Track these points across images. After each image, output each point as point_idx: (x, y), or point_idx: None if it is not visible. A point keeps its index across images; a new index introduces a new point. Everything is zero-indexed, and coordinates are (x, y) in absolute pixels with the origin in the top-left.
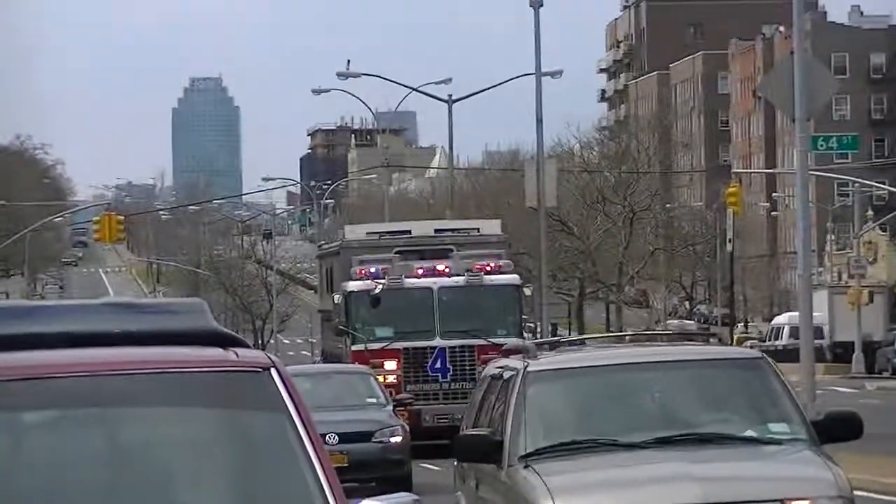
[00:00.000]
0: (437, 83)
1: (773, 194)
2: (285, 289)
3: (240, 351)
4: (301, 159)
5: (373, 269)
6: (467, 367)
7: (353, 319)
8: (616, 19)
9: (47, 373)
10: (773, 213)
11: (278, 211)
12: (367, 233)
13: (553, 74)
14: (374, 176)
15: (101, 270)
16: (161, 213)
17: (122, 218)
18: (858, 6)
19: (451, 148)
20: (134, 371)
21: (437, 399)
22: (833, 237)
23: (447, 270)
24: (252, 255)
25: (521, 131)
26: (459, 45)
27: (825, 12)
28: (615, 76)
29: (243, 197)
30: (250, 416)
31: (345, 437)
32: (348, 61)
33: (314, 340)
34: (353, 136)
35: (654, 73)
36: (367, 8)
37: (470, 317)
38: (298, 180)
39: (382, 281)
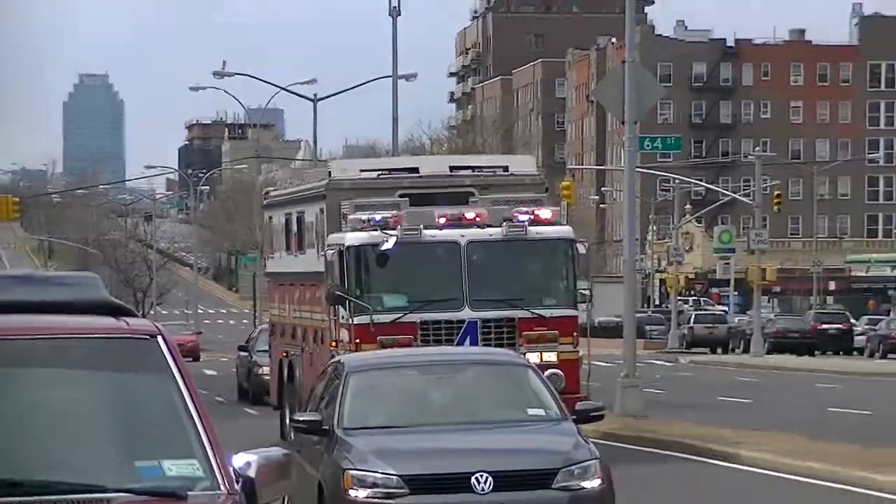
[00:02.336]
0: (303, 83)
1: (603, 188)
2: (164, 265)
3: (130, 320)
4: (179, 150)
5: (378, 217)
6: (505, 347)
7: (352, 283)
8: (465, 28)
9: None
10: (601, 206)
11: (158, 196)
12: (361, 170)
13: (408, 77)
14: (244, 166)
15: None
16: (53, 196)
17: (17, 199)
18: (683, 21)
19: (315, 142)
20: (33, 336)
21: None
22: (654, 228)
23: (479, 219)
24: (134, 236)
25: (378, 128)
26: (325, 49)
27: (653, 26)
28: (463, 80)
29: (127, 183)
30: (139, 378)
31: (504, 481)
32: (224, 62)
33: (190, 312)
34: (226, 129)
35: (499, 78)
36: (246, 9)
37: (509, 281)
38: (177, 168)
39: (394, 232)
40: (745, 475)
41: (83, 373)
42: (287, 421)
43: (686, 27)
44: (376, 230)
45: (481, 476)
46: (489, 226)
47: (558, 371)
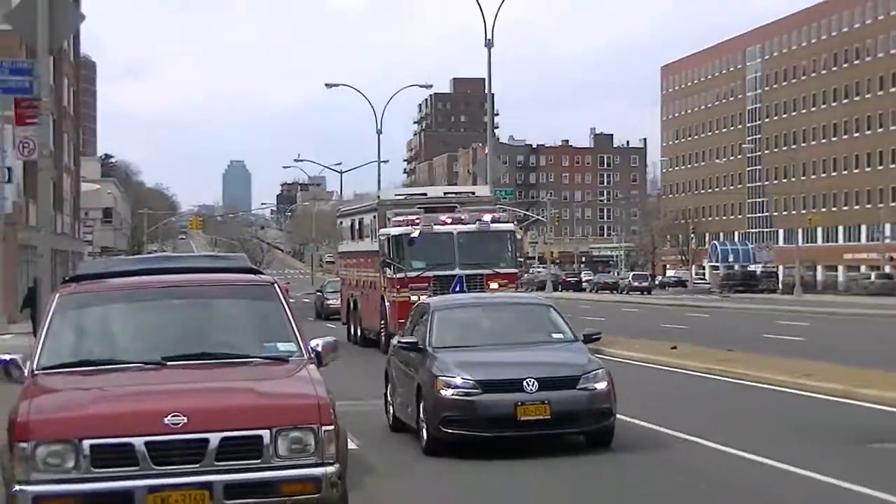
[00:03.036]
0: (335, 164)
1: None
2: (269, 251)
3: (260, 276)
4: (277, 196)
5: (409, 219)
6: (479, 289)
7: (394, 255)
8: (412, 137)
9: (173, 283)
10: None
11: (268, 217)
12: (395, 195)
13: (385, 161)
14: (307, 203)
15: None
16: (218, 218)
17: (201, 219)
18: (512, 135)
19: (341, 191)
20: (216, 283)
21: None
22: None
23: (464, 219)
24: (256, 236)
25: (370, 185)
26: (335, 140)
27: (498, 137)
28: (410, 162)
29: (252, 211)
30: (265, 303)
31: (545, 384)
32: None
33: (282, 272)
34: (299, 186)
35: (426, 162)
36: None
37: (480, 253)
38: (276, 204)
39: (417, 227)
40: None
41: (239, 300)
42: (351, 330)
43: (513, 136)
44: (408, 226)
45: (530, 381)
46: (469, 223)
47: None
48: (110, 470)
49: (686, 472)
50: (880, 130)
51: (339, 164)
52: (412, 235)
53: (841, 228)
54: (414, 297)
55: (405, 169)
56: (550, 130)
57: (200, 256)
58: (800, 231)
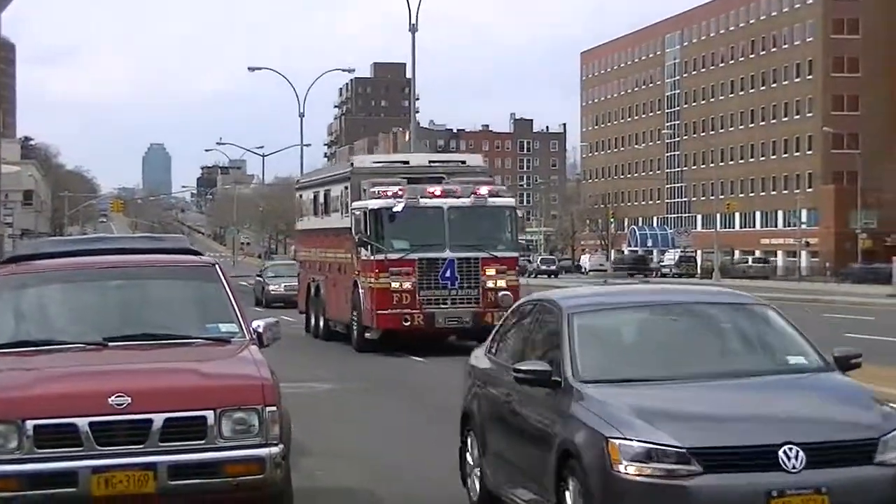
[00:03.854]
0: (258, 147)
1: None
2: (189, 234)
3: (200, 258)
4: (198, 179)
5: (391, 190)
6: (472, 277)
7: (372, 233)
8: (332, 122)
9: (114, 263)
10: None
11: (188, 201)
12: (373, 161)
13: (307, 145)
14: (228, 187)
15: None
16: (138, 200)
17: (122, 202)
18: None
19: (263, 175)
20: (156, 264)
21: (446, 304)
22: None
23: (456, 192)
24: (176, 219)
25: (293, 167)
26: (262, 123)
27: (419, 122)
28: (330, 147)
29: (173, 194)
30: (207, 284)
31: (816, 455)
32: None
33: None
34: (219, 170)
35: (347, 146)
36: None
37: (475, 233)
38: (196, 187)
39: (401, 199)
40: None
41: (180, 281)
42: (312, 320)
43: (433, 121)
44: (389, 198)
45: (790, 449)
46: (461, 196)
47: (508, 292)
48: (54, 451)
49: None
50: (797, 117)
51: (261, 147)
52: (394, 209)
53: (758, 214)
54: (395, 284)
55: (325, 153)
56: (472, 116)
57: (139, 237)
58: (718, 216)
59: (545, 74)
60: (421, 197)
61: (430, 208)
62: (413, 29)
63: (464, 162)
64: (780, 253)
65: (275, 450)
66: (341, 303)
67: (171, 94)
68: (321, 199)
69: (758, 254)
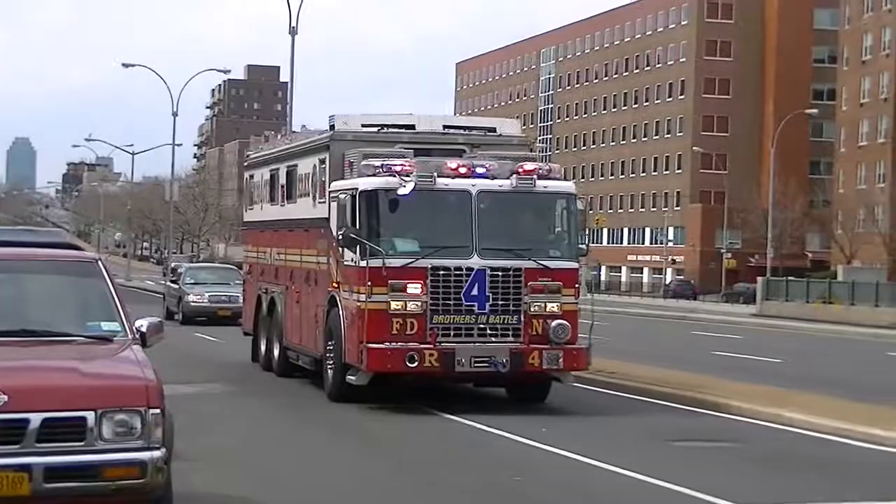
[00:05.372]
0: (127, 146)
1: None
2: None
3: (82, 253)
4: (63, 175)
5: (394, 165)
6: (511, 297)
7: (363, 226)
8: (203, 123)
9: None
10: None
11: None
12: (362, 124)
13: (178, 144)
14: (95, 184)
15: None
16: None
17: None
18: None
19: (132, 173)
20: (36, 258)
21: (471, 335)
22: None
23: (489, 169)
24: (42, 215)
25: (164, 167)
26: (135, 121)
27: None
28: (200, 147)
29: (37, 189)
30: (88, 280)
31: None
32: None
33: None
34: (86, 167)
35: (217, 148)
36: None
37: (516, 231)
38: (61, 183)
39: (410, 178)
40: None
41: (61, 277)
42: (263, 345)
43: (305, 126)
44: (393, 176)
45: None
46: (498, 176)
47: (564, 321)
48: None
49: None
50: (668, 136)
51: (130, 145)
52: (400, 192)
53: (626, 230)
54: (397, 304)
55: (195, 154)
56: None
57: (18, 230)
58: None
59: (421, 83)
60: (438, 176)
61: (452, 193)
62: (293, 32)
63: (493, 129)
64: (646, 269)
65: (157, 454)
66: (308, 327)
67: (38, 88)
68: (282, 180)
69: (624, 270)
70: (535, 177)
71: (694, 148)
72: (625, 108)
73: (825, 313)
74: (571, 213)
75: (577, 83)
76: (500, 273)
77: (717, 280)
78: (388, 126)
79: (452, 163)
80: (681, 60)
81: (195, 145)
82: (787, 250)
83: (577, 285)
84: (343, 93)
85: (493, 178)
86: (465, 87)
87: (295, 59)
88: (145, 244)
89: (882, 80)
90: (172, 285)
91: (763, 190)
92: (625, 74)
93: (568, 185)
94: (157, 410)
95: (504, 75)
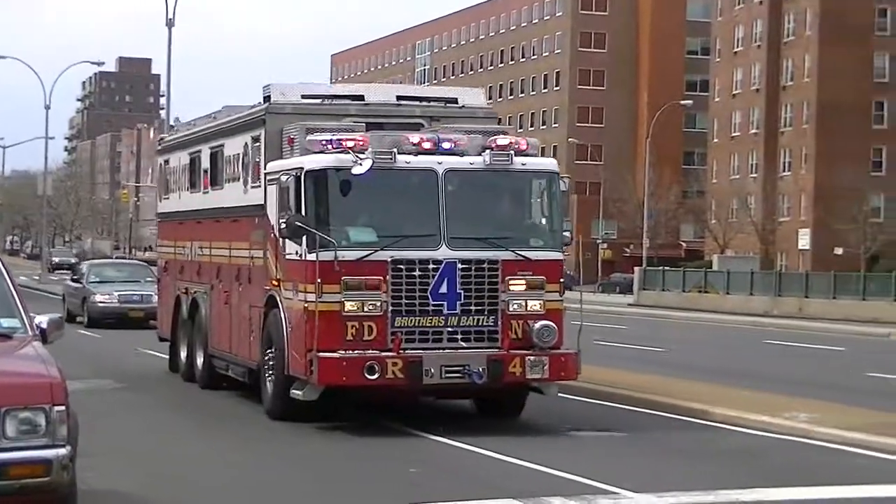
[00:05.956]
0: None
1: None
2: None
3: None
4: None
5: (345, 140)
6: (487, 293)
7: (312, 213)
8: (73, 115)
9: None
10: None
11: None
12: (302, 95)
13: (51, 138)
14: None
15: None
16: None
17: None
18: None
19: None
20: None
21: (440, 340)
22: None
23: (458, 144)
24: None
25: (37, 160)
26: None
27: (164, 119)
28: (71, 140)
29: None
30: None
31: None
32: None
33: None
34: None
35: (89, 141)
36: None
37: (491, 217)
38: None
39: (366, 155)
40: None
41: None
42: (183, 352)
43: (178, 119)
44: (345, 152)
45: None
46: (467, 152)
47: (549, 322)
48: None
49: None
50: (543, 127)
51: (1, 139)
52: (354, 171)
53: None
54: (352, 305)
55: (66, 147)
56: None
57: None
58: None
59: (299, 75)
60: (399, 152)
61: (415, 172)
62: (170, 24)
63: (454, 101)
64: None
65: (62, 451)
66: (240, 332)
67: None
68: (205, 163)
69: None
70: (511, 152)
71: (569, 139)
72: (500, 99)
73: (702, 302)
74: (554, 196)
75: (453, 75)
76: (472, 266)
77: (594, 271)
78: (332, 97)
79: (414, 137)
80: (556, 52)
81: (66, 138)
82: (663, 240)
83: (561, 280)
84: (218, 86)
85: (463, 154)
86: (340, 78)
87: (160, 52)
88: (15, 238)
89: (754, 71)
90: (73, 284)
91: (638, 180)
92: (500, 66)
93: (550, 163)
94: (62, 408)
95: (379, 67)
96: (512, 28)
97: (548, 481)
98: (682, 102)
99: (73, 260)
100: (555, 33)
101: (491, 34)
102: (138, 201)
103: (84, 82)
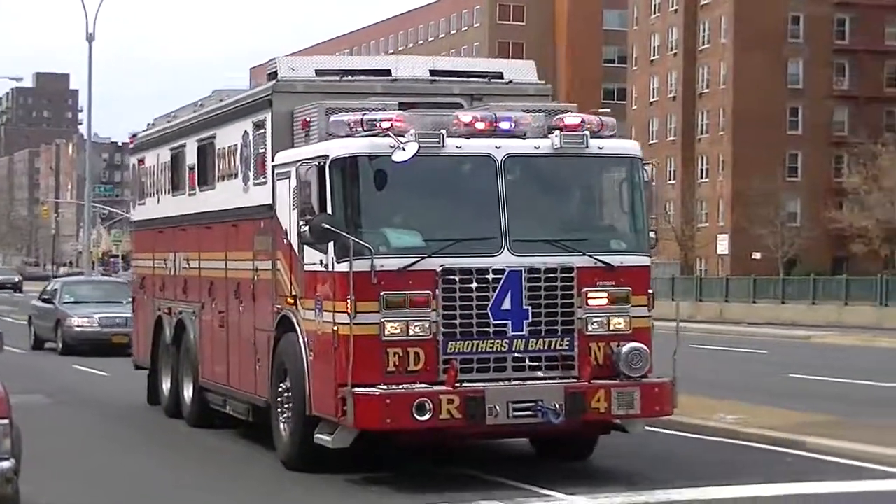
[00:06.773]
0: None
1: None
2: None
3: None
4: None
5: (379, 121)
6: (560, 309)
7: (340, 213)
8: None
9: None
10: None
11: None
12: (317, 71)
13: None
14: None
15: None
16: None
17: None
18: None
19: None
20: None
21: (504, 369)
22: None
23: (520, 124)
24: None
25: None
26: None
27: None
28: None
29: None
30: None
31: None
32: None
33: None
34: None
35: (6, 157)
36: None
37: (563, 214)
38: None
39: (409, 138)
40: None
41: None
42: (165, 385)
43: (97, 134)
44: (379, 135)
45: None
46: (532, 134)
47: (640, 345)
48: None
49: None
50: None
51: None
52: (396, 157)
53: None
54: (394, 327)
55: None
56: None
57: None
58: None
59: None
60: (449, 133)
61: (469, 159)
62: (90, 38)
63: (500, 76)
64: None
65: (6, 465)
66: (242, 360)
67: None
68: (190, 159)
69: None
70: (585, 133)
71: None
72: None
73: None
74: (637, 186)
75: None
76: (542, 275)
77: None
78: (353, 72)
79: (466, 115)
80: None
81: None
82: None
83: (649, 291)
84: (138, 102)
85: (525, 136)
86: None
87: (86, 65)
88: None
89: (670, 78)
90: (43, 305)
91: None
92: None
93: (632, 146)
94: (6, 421)
95: None
96: (430, 39)
97: (478, 485)
98: (600, 111)
99: (16, 278)
100: (472, 44)
101: (410, 45)
102: (58, 217)
103: (1, 98)
